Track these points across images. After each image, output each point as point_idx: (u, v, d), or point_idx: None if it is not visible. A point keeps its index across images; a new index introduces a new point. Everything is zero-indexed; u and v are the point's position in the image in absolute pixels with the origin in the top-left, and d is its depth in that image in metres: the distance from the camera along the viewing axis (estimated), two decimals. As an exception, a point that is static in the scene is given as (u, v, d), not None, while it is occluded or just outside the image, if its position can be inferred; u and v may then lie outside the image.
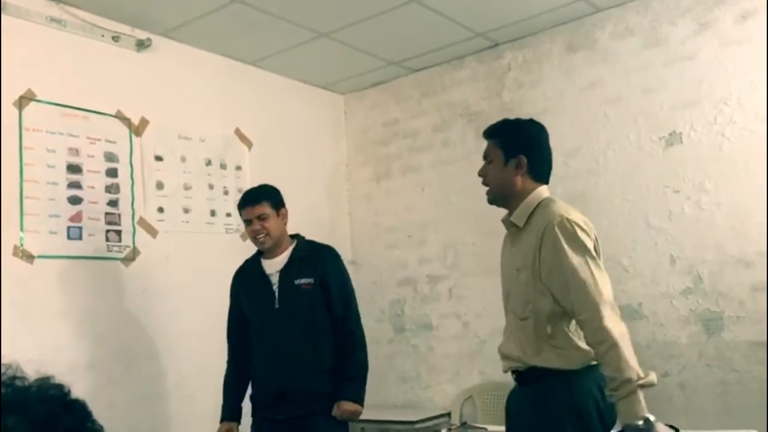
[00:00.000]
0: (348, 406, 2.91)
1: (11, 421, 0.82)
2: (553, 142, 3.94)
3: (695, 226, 3.50)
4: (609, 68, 3.83)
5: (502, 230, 2.46)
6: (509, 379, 2.40)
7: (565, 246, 2.16)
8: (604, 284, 2.17)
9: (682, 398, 3.47)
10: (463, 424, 3.58)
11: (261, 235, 2.97)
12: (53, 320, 3.22)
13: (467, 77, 4.39)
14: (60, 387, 0.90)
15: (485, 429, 3.26)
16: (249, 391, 3.10)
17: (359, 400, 2.95)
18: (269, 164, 4.30)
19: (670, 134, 3.60)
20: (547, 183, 2.41)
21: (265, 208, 2.98)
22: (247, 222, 3.02)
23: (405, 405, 4.26)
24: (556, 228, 2.19)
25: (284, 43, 4.06)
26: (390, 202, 4.72)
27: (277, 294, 2.96)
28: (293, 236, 3.11)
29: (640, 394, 2.03)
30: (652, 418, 2.01)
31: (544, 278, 2.21)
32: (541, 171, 2.41)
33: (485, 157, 2.43)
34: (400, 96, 4.71)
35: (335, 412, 2.91)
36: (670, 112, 3.61)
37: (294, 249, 3.04)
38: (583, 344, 2.21)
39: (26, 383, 0.88)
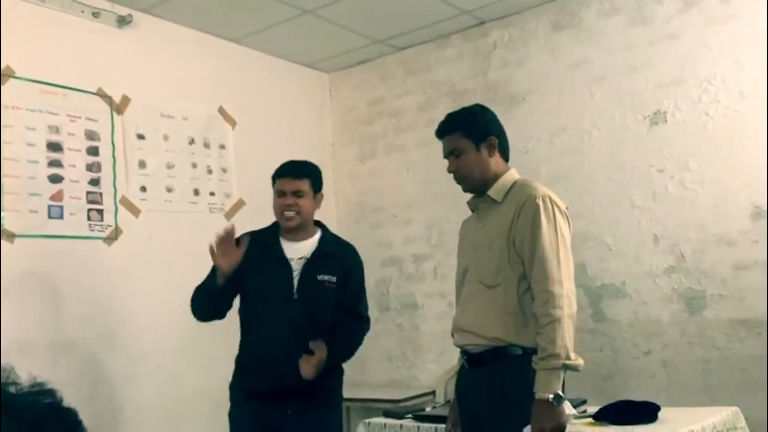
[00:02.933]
0: (322, 353, 2.71)
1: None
2: (539, 121, 3.99)
3: (678, 205, 3.52)
4: (595, 47, 3.82)
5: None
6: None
7: (542, 219, 2.23)
8: (568, 266, 2.22)
9: (664, 376, 3.51)
10: (448, 402, 3.60)
11: (291, 212, 2.76)
12: (35, 300, 3.20)
13: (453, 56, 4.37)
14: (52, 393, 0.91)
15: (469, 407, 3.28)
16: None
17: (331, 364, 2.78)
18: (253, 143, 4.27)
19: (655, 113, 3.61)
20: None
21: (305, 186, 2.78)
22: (280, 193, 2.78)
23: (390, 384, 4.28)
24: (538, 200, 2.26)
25: (268, 20, 4.01)
26: (375, 182, 4.71)
27: (296, 283, 2.76)
28: (316, 223, 2.94)
29: (562, 373, 2.13)
30: (562, 395, 2.12)
31: (518, 246, 2.26)
32: (507, 149, 2.48)
33: (451, 152, 2.43)
34: (386, 75, 4.68)
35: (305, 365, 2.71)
36: (655, 91, 3.61)
37: (321, 241, 2.87)
38: None
39: (19, 388, 0.89)
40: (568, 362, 2.12)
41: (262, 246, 2.82)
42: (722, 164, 3.41)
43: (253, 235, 2.86)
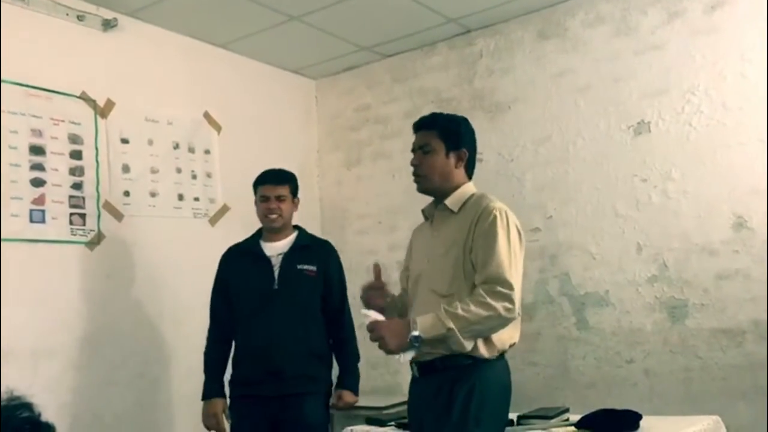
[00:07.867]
0: (349, 397, 3.11)
1: None
2: (524, 130, 4.01)
3: (662, 215, 3.54)
4: (580, 56, 3.84)
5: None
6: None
7: (498, 229, 2.24)
8: (518, 276, 2.23)
9: (646, 384, 3.52)
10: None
11: (274, 215, 3.09)
12: (15, 305, 3.15)
13: (439, 64, 4.38)
14: (29, 407, 0.90)
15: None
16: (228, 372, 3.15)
17: (357, 390, 3.14)
18: (239, 149, 4.26)
19: (639, 123, 3.63)
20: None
21: (285, 191, 3.13)
22: (264, 198, 3.11)
23: (373, 391, 4.26)
24: (495, 212, 2.28)
25: (255, 26, 4.00)
26: (360, 188, 4.70)
27: (276, 275, 3.04)
28: (294, 226, 3.23)
29: (443, 335, 2.12)
30: (417, 345, 2.13)
31: (473, 255, 2.26)
32: (473, 167, 2.50)
33: (421, 147, 2.45)
34: (372, 81, 4.68)
35: (334, 401, 3.10)
36: (639, 101, 3.64)
37: (297, 237, 3.17)
38: (497, 335, 2.25)
39: None
40: (448, 334, 2.11)
41: (244, 251, 3.17)
42: (705, 174, 3.44)
43: (234, 246, 3.24)
